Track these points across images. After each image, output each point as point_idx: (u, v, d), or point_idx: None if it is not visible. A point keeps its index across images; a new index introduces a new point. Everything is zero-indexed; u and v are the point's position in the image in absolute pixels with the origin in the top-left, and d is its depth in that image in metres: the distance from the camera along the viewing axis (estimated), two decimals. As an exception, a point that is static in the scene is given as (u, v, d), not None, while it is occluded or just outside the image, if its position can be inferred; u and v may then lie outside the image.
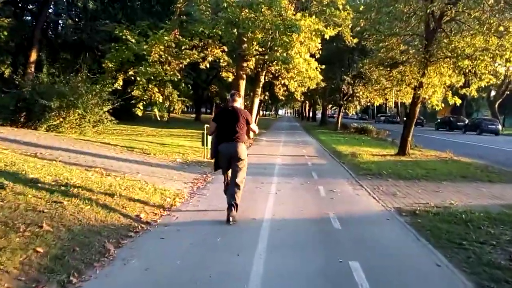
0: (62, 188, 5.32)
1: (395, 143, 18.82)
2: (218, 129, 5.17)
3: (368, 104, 37.51)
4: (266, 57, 19.52)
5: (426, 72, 12.22)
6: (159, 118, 26.67)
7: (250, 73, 21.02)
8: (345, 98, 31.66)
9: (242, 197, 5.21)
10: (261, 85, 22.50)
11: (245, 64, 18.51)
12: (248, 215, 5.30)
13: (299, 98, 24.32)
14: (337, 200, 6.44)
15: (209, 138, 10.73)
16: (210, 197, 6.36)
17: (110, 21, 21.67)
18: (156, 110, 24.89)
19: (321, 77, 17.72)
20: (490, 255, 3.91)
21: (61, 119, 13.51)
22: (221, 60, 17.88)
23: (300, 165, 10.79)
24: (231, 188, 5.08)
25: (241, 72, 18.50)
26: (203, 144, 10.69)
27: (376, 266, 3.65)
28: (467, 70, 12.48)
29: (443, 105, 13.32)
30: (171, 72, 16.38)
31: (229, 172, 5.27)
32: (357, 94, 30.29)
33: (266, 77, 23.22)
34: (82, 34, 23.61)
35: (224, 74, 20.63)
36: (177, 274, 3.40)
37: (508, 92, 35.97)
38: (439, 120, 37.94)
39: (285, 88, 23.42)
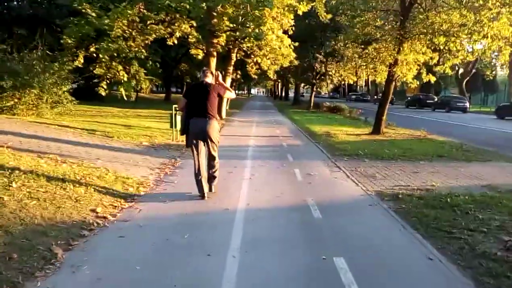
0: (5, 179, 4.62)
1: (368, 122, 18.77)
2: (189, 105, 5.07)
3: (340, 82, 37.46)
4: (238, 33, 18.70)
5: (401, 49, 11.93)
6: (126, 98, 25.43)
7: (221, 50, 20.17)
8: (317, 77, 31.32)
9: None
10: (232, 63, 21.72)
11: (215, 41, 17.67)
12: (221, 205, 4.81)
13: (272, 77, 23.73)
14: (315, 185, 6.04)
15: (178, 118, 10.11)
16: (178, 185, 5.80)
17: (70, -6, 20.12)
18: (122, 89, 23.79)
19: (294, 55, 17.17)
20: (483, 244, 3.62)
21: (16, 100, 12.36)
22: (190, 36, 16.94)
23: (275, 146, 10.35)
24: (208, 165, 5.23)
25: (212, 49, 17.69)
26: (171, 126, 10.02)
27: (364, 263, 3.27)
28: (441, 47, 12.31)
29: (417, 82, 13.12)
30: (136, 49, 15.35)
31: (201, 154, 5.14)
32: (330, 73, 30.00)
33: (238, 55, 22.42)
34: (38, 7, 21.85)
35: (193, 51, 19.65)
36: (135, 284, 2.88)
37: (475, 70, 36.76)
38: (409, 98, 38.47)
39: (257, 67, 22.74)
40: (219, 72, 5.64)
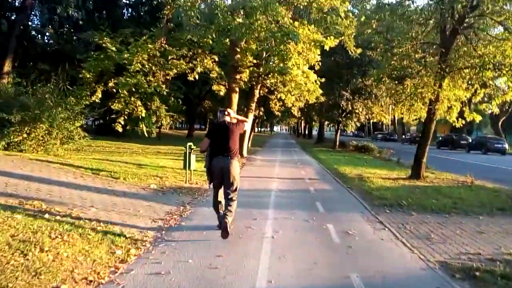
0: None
1: (401, 164, 17.24)
2: (212, 144, 5.23)
3: (366, 121, 36.13)
4: (261, 69, 18.04)
5: (442, 84, 10.67)
6: (146, 135, 24.99)
7: (243, 86, 19.52)
8: (343, 115, 30.11)
9: (226, 247, 4.49)
10: (255, 100, 20.88)
11: (238, 77, 16.94)
12: (231, 285, 3.52)
13: (296, 114, 22.73)
14: (356, 250, 4.67)
15: (192, 157, 9.03)
16: (180, 246, 4.56)
17: (94, 31, 20.24)
18: (142, 125, 23.31)
19: (320, 91, 16.15)
20: None
21: (25, 135, 11.70)
22: (212, 72, 16.28)
23: (301, 191, 9.04)
24: (225, 204, 5.18)
25: (234, 85, 16.90)
26: (185, 167, 8.92)
27: None
28: (489, 83, 11.02)
29: (463, 122, 11.71)
30: (155, 84, 14.73)
31: (221, 190, 5.24)
32: (356, 111, 28.80)
33: (261, 91, 21.67)
34: (62, 43, 22.05)
35: (215, 87, 19.06)
36: None
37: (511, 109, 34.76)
38: (440, 138, 36.46)
39: (281, 103, 21.86)
40: (228, 110, 5.60)
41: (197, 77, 15.69)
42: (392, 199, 8.08)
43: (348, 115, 30.36)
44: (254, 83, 20.03)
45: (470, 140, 32.61)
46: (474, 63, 10.14)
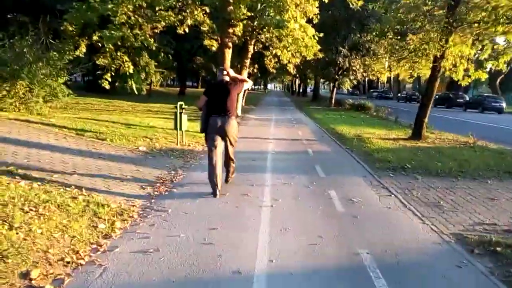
0: None
1: (399, 123, 16.86)
2: (209, 102, 5.12)
3: (363, 78, 35.30)
4: (256, 22, 16.97)
5: (449, 39, 10.01)
6: (136, 92, 24.11)
7: (237, 41, 18.54)
8: (340, 72, 29.26)
9: (221, 218, 4.17)
10: (249, 56, 19.95)
11: (231, 31, 15.96)
12: (228, 264, 3.13)
13: (291, 71, 21.91)
14: (363, 222, 4.29)
15: (184, 117, 8.48)
16: (171, 218, 4.14)
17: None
18: (131, 82, 22.40)
19: (318, 46, 15.32)
20: None
21: (4, 93, 10.95)
22: (203, 25, 15.26)
23: (299, 153, 8.61)
24: (225, 164, 5.42)
25: (227, 40, 15.97)
26: (176, 127, 8.36)
27: None
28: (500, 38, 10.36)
29: (469, 80, 11.17)
30: (142, 37, 13.77)
31: (218, 152, 5.05)
32: (353, 68, 27.94)
33: (256, 47, 20.68)
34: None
35: (207, 42, 18.05)
36: None
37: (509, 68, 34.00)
38: (437, 97, 35.92)
39: (276, 60, 20.95)
40: (228, 69, 5.56)
41: (187, 30, 14.69)
42: (395, 161, 7.70)
43: (345, 72, 29.54)
44: (248, 38, 19.04)
45: (467, 99, 32.18)
46: (486, 16, 9.41)
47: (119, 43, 14.26)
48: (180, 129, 8.30)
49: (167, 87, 56.33)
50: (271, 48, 19.51)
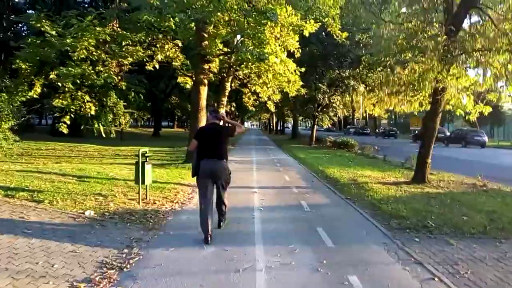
0: None
1: (389, 162, 15.67)
2: (200, 146, 5.09)
3: (342, 115, 34.76)
4: (233, 58, 15.86)
5: (450, 69, 8.96)
6: (103, 135, 22.24)
7: (213, 78, 17.34)
8: (319, 109, 28.39)
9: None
10: (227, 94, 18.67)
11: (206, 67, 14.71)
12: None
13: (272, 109, 20.73)
14: None
15: (147, 167, 6.81)
16: None
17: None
18: (97, 124, 20.55)
19: (301, 82, 14.18)
20: None
21: None
22: (175, 60, 13.92)
23: (292, 208, 6.99)
24: (217, 207, 5.31)
25: (202, 77, 14.67)
26: (137, 181, 6.61)
27: None
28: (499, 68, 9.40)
29: (478, 112, 10.12)
30: (105, 74, 12.23)
31: (209, 195, 5.01)
32: (334, 104, 27.20)
33: (233, 84, 19.51)
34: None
35: (180, 79, 16.66)
36: None
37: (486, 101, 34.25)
38: (416, 132, 35.62)
39: (255, 97, 19.77)
40: (223, 112, 5.32)
41: (157, 66, 13.28)
42: (411, 216, 6.21)
43: (324, 109, 28.76)
44: (224, 74, 17.84)
45: (448, 133, 31.85)
46: (488, 43, 8.44)
47: (79, 81, 12.68)
48: (143, 183, 6.58)
49: (141, 128, 54.41)
50: (249, 85, 18.35)
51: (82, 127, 21.45)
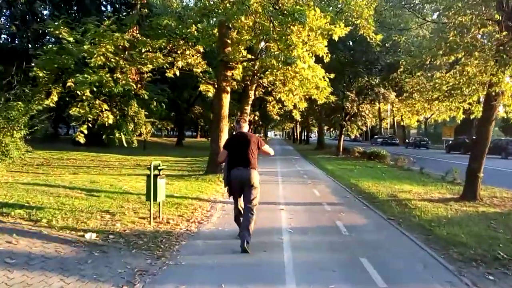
0: None
1: (427, 174, 14.35)
2: (230, 155, 5.12)
3: (372, 124, 33.32)
4: (257, 64, 15.11)
5: (507, 71, 7.77)
6: (125, 144, 21.87)
7: (236, 86, 16.63)
8: (347, 118, 27.14)
9: None
10: (250, 102, 17.92)
11: (229, 74, 13.98)
12: None
13: (297, 118, 19.76)
14: None
15: (160, 182, 5.98)
16: None
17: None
18: (118, 134, 20.16)
19: (330, 89, 13.17)
20: None
21: None
22: (196, 67, 13.23)
23: (327, 231, 5.98)
24: (245, 215, 5.03)
25: (224, 84, 13.92)
26: (148, 198, 5.78)
27: None
28: None
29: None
30: (123, 81, 11.65)
31: (241, 199, 5.14)
32: (362, 113, 25.95)
33: (257, 92, 18.73)
34: (24, 42, 18.92)
35: (202, 87, 16.02)
36: None
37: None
38: (450, 142, 33.73)
39: (280, 106, 18.89)
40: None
41: (177, 73, 12.61)
42: (474, 244, 5.09)
43: (352, 118, 27.50)
44: (248, 82, 17.10)
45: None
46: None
47: (96, 89, 12.18)
48: (155, 199, 5.75)
49: (165, 138, 54.45)
50: (274, 92, 17.49)
51: (103, 136, 21.23)
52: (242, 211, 5.08)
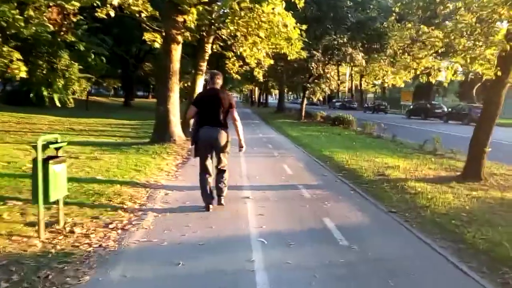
0: None
1: (401, 143, 13.05)
2: (200, 113, 4.85)
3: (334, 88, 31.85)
4: (215, 10, 12.61)
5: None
6: (58, 104, 18.67)
7: (190, 38, 14.06)
8: (310, 80, 25.23)
9: None
10: (206, 58, 15.33)
11: (180, 19, 11.43)
12: None
13: (260, 78, 17.53)
14: None
15: (53, 170, 3.72)
16: None
17: None
18: (47, 91, 16.97)
19: (301, 44, 11.06)
20: None
21: None
22: (136, 5, 10.48)
23: (315, 237, 4.11)
24: (217, 176, 4.97)
25: (174, 32, 11.41)
26: (35, 198, 3.52)
27: None
28: None
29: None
30: (36, 21, 8.80)
31: (209, 163, 4.86)
32: (328, 75, 24.22)
33: (214, 46, 16.15)
34: None
35: (147, 36, 13.23)
36: None
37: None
38: (411, 107, 33.28)
39: (240, 63, 16.51)
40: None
41: (112, 13, 9.79)
42: (499, 247, 3.48)
43: (316, 80, 25.69)
44: (204, 33, 14.49)
45: (446, 109, 29.51)
46: None
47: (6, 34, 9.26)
48: (46, 200, 3.52)
49: (112, 98, 50.00)
50: (234, 47, 15.02)
51: (31, 94, 17.87)
52: (208, 173, 4.82)
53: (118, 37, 29.80)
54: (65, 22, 10.71)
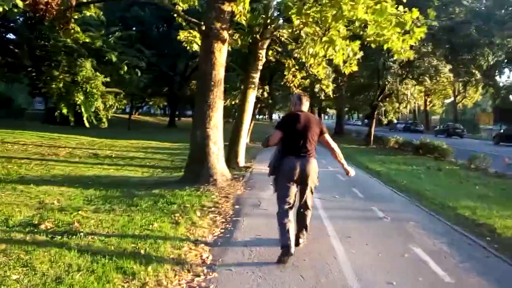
0: None
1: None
2: (284, 139, 4.06)
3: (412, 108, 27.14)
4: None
5: None
6: (87, 124, 15.96)
7: (239, 42, 10.82)
8: (380, 98, 20.85)
9: None
10: (260, 67, 11.71)
11: (227, 9, 8.03)
12: None
13: (329, 92, 13.47)
14: None
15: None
16: None
17: None
18: (65, 108, 14.12)
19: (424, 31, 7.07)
20: None
21: None
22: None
23: None
24: (298, 217, 4.17)
25: (219, 26, 7.91)
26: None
27: None
28: None
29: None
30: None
31: (291, 197, 3.97)
32: (405, 92, 19.80)
33: (270, 53, 12.57)
34: None
35: (183, 34, 9.89)
36: None
37: None
38: (501, 131, 27.50)
39: (303, 73, 12.69)
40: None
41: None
42: None
43: (388, 98, 21.31)
44: (257, 36, 11.04)
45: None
46: None
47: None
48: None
49: (160, 117, 48.24)
50: (296, 53, 11.23)
51: (55, 113, 15.27)
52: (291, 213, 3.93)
53: (163, 52, 27.48)
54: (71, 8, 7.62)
